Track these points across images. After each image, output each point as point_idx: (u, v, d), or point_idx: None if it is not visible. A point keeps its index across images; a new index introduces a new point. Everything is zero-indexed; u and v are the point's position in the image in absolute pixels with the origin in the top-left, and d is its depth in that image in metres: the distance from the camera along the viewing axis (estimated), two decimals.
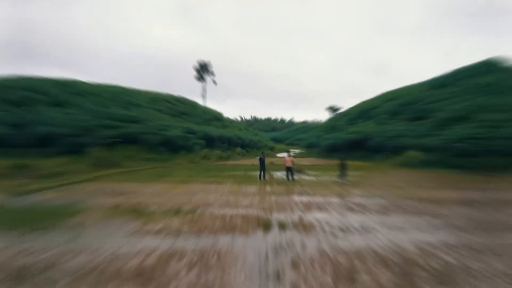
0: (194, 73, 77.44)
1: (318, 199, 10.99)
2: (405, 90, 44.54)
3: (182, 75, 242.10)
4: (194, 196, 11.80)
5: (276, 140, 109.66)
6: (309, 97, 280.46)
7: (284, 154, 57.48)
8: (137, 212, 8.95)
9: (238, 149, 48.88)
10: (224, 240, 6.43)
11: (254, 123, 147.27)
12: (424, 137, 25.73)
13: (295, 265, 5.12)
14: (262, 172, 16.67)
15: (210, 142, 44.28)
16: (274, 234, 6.80)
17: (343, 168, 16.12)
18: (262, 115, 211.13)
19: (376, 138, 31.01)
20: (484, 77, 32.37)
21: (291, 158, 16.81)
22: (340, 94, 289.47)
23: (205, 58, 76.85)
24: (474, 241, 6.21)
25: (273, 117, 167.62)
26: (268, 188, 13.74)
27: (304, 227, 7.33)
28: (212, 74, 75.95)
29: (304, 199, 11.00)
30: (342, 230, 7.06)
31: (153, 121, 40.68)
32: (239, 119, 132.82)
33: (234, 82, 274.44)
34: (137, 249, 5.88)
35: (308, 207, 9.60)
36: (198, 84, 78.13)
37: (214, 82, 76.28)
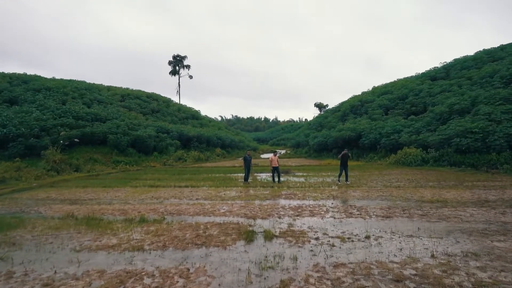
0: (170, 68, 75.92)
1: (310, 202, 10.21)
2: (399, 83, 44.73)
3: (159, 73, 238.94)
4: (164, 202, 10.82)
5: (260, 140, 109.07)
6: (295, 95, 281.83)
7: (270, 155, 56.77)
8: (92, 223, 7.93)
9: (218, 150, 47.80)
10: (195, 256, 5.52)
11: (236, 123, 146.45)
12: (422, 133, 25.55)
13: (285, 286, 4.28)
14: (246, 174, 15.82)
15: (187, 142, 43.05)
16: (258, 247, 5.95)
17: (343, 163, 15.18)
18: (244, 114, 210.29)
19: (370, 135, 30.70)
20: (479, 70, 32.70)
21: (277, 157, 16.00)
22: (328, 92, 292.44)
23: (182, 53, 74.86)
24: (506, 250, 5.55)
25: (256, 116, 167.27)
26: (251, 191, 12.89)
27: (295, 236, 6.51)
28: (188, 68, 74.48)
29: (293, 203, 10.20)
30: (340, 239, 6.29)
31: (122, 119, 39.18)
32: (219, 118, 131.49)
33: (213, 80, 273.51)
34: (82, 271, 4.90)
35: (298, 212, 8.80)
36: (175, 81, 76.23)
37: (190, 77, 74.98)
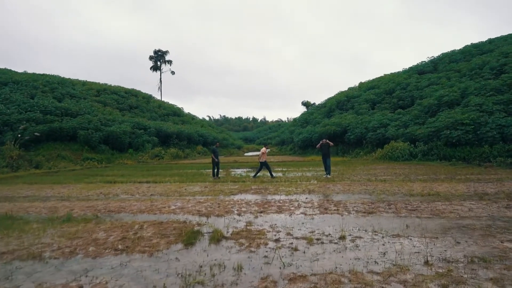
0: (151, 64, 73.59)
1: (281, 197, 8.81)
2: (386, 78, 43.85)
3: (142, 70, 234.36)
4: (110, 199, 9.27)
5: (248, 140, 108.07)
6: (282, 95, 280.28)
7: (254, 153, 55.33)
8: (4, 223, 6.37)
9: (199, 147, 46.05)
10: (105, 267, 4.04)
11: (224, 123, 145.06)
12: (409, 126, 24.47)
13: None
14: (215, 169, 14.30)
15: (165, 139, 41.23)
16: (197, 253, 4.49)
17: (324, 154, 13.89)
18: (232, 114, 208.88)
19: (356, 129, 29.52)
20: (468, 62, 31.97)
21: (266, 150, 14.51)
22: (315, 91, 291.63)
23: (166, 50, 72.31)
24: None
25: (244, 116, 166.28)
26: (218, 186, 11.41)
27: (249, 238, 5.08)
28: (170, 63, 72.41)
29: (261, 198, 8.78)
30: (307, 240, 4.88)
31: (95, 114, 37.17)
32: (207, 118, 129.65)
33: (201, 80, 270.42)
34: None
35: (263, 208, 7.37)
36: (160, 79, 73.97)
37: (172, 72, 72.90)
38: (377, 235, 5.07)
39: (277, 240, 4.91)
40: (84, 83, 54.67)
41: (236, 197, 8.92)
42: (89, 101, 43.42)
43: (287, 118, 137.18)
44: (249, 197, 8.98)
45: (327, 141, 14.12)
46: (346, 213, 6.63)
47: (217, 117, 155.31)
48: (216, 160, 14.14)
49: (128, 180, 13.80)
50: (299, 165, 20.70)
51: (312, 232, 5.33)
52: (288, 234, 5.24)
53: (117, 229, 5.76)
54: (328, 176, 13.37)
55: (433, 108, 24.69)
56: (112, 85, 60.80)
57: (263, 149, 14.47)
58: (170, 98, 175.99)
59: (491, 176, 12.42)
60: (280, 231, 5.41)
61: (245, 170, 18.44)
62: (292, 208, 7.23)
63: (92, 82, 57.06)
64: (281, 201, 8.11)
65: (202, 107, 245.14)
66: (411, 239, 4.83)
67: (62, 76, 53.55)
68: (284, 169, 17.88)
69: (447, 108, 23.24)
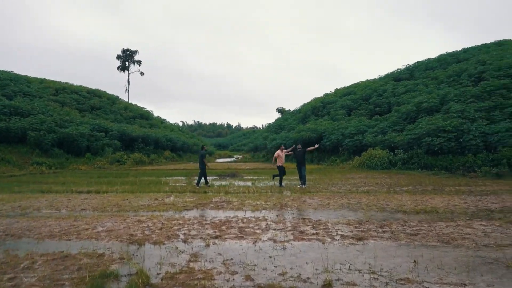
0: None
1: (246, 214, 7.11)
2: (362, 84, 43.40)
3: (111, 74, 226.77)
4: (24, 215, 7.24)
5: (221, 146, 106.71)
6: (257, 102, 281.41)
7: (226, 159, 53.33)
8: None
9: (167, 153, 43.61)
10: None
11: (198, 128, 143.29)
12: (388, 133, 23.52)
13: None
14: (202, 175, 12.72)
15: (130, 143, 38.62)
16: None
17: (298, 161, 12.34)
18: (207, 120, 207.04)
19: (332, 136, 28.35)
20: (445, 70, 31.81)
21: (283, 152, 12.56)
22: (290, 98, 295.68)
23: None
24: None
25: (219, 122, 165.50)
26: (171, 198, 9.55)
27: (188, 285, 3.34)
28: (139, 63, 69.52)
29: (222, 214, 7.04)
30: (275, 286, 3.20)
31: (50, 114, 34.15)
32: (180, 123, 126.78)
33: (175, 85, 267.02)
34: None
35: (221, 230, 5.66)
36: (129, 80, 70.70)
37: (141, 73, 69.87)
38: (377, 279, 3.47)
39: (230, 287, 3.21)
40: (42, 81, 50.89)
41: (189, 214, 7.14)
42: (45, 100, 40.12)
43: (262, 124, 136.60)
44: (206, 213, 7.23)
45: (301, 146, 12.62)
46: (329, 239, 5.03)
47: (191, 122, 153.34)
48: (202, 166, 12.70)
49: (67, 189, 11.66)
50: (271, 173, 19.02)
51: (283, 274, 3.66)
52: (248, 278, 3.54)
53: None
54: (304, 186, 11.82)
55: (412, 115, 23.90)
56: (75, 84, 57.17)
57: (278, 152, 12.52)
58: (144, 103, 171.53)
59: (482, 188, 11.30)
60: (237, 273, 3.70)
61: (210, 178, 16.62)
62: (258, 231, 5.55)
63: (51, 81, 53.21)
64: (245, 220, 6.41)
65: (177, 113, 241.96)
66: (428, 285, 3.26)
67: (17, 73, 49.61)
68: (254, 178, 16.22)
69: (426, 115, 22.46)
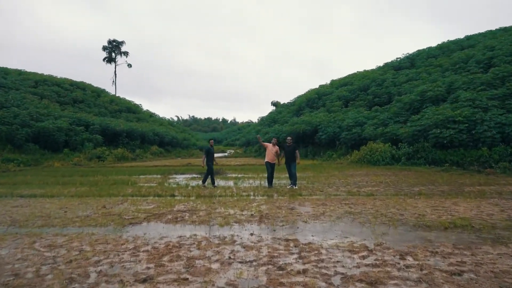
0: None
1: (209, 232, 5.18)
2: (358, 75, 41.47)
3: (100, 68, 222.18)
4: None
5: (215, 141, 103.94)
6: (252, 96, 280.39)
7: (218, 154, 51.14)
8: None
9: (155, 148, 41.52)
10: None
11: (193, 123, 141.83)
12: (389, 125, 21.65)
13: None
14: (209, 174, 10.89)
15: (113, 138, 36.53)
16: None
17: (288, 157, 10.46)
18: (202, 115, 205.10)
19: (328, 128, 26.43)
20: (449, 57, 30.01)
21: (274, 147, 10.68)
22: (285, 92, 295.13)
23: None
24: None
25: (214, 117, 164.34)
26: (122, 206, 7.57)
27: None
28: (126, 54, 66.99)
29: (175, 234, 5.10)
30: None
31: (25, 107, 31.95)
32: (175, 118, 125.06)
33: (169, 80, 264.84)
34: None
35: (161, 264, 3.72)
36: (116, 72, 68.21)
37: (129, 65, 67.38)
38: None
39: None
40: (21, 72, 48.45)
41: (131, 232, 5.19)
42: (22, 92, 37.86)
43: (258, 119, 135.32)
44: (152, 231, 5.28)
45: (292, 141, 10.67)
46: (324, 285, 3.11)
47: (186, 117, 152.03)
48: (206, 163, 10.94)
49: (6, 193, 9.66)
50: (260, 170, 17.05)
51: None
52: None
53: None
54: (294, 187, 9.91)
55: (416, 105, 22.05)
56: (58, 77, 54.67)
57: (271, 146, 10.72)
58: (138, 98, 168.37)
59: (509, 188, 9.46)
60: None
61: (189, 176, 14.68)
62: (215, 267, 3.61)
63: (31, 72, 50.73)
64: (203, 243, 4.47)
65: (172, 108, 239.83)
66: None
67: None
68: (239, 176, 14.30)
69: (431, 104, 20.62)
